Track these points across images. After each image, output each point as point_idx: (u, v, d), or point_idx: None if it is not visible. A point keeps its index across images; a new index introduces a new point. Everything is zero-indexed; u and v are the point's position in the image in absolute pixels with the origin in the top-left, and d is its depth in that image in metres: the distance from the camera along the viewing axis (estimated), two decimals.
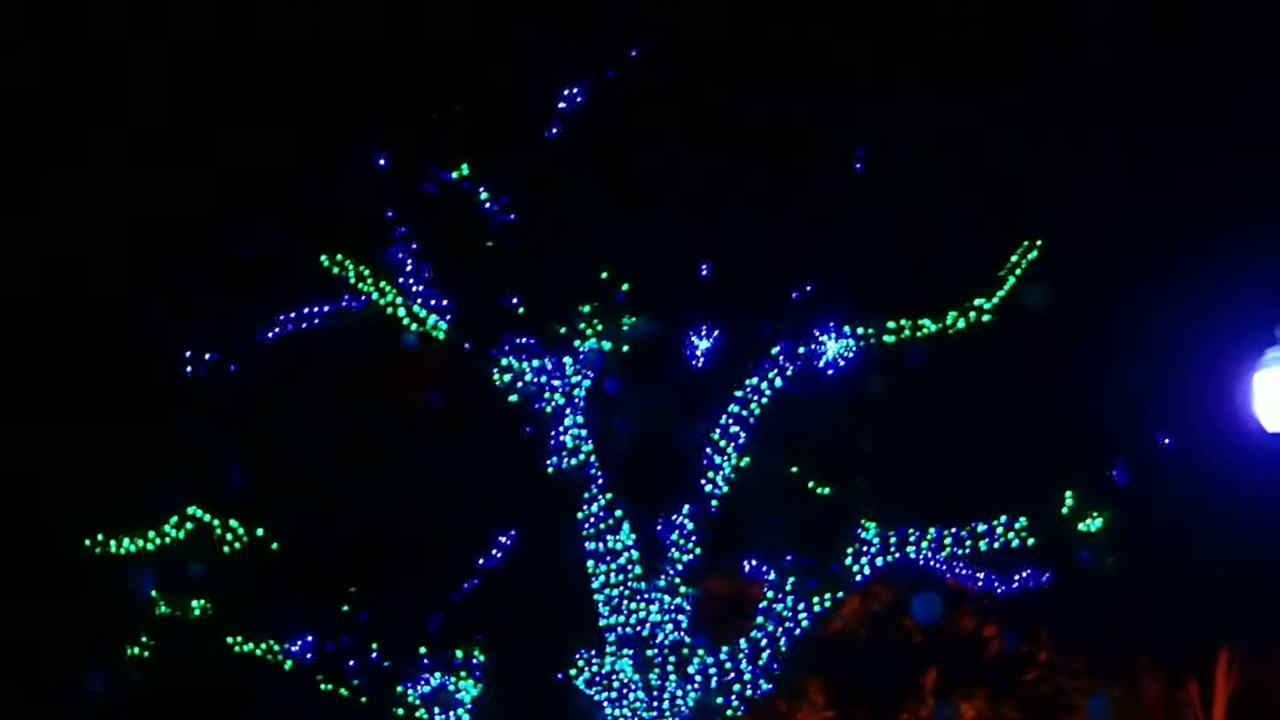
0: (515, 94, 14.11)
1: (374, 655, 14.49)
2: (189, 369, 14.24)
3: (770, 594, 14.90)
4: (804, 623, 14.97)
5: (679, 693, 14.43)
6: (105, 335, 13.89)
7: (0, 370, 13.60)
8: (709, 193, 13.99)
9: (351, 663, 14.42)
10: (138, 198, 13.61)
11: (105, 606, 14.29)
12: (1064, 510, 14.65)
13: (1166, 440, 14.17)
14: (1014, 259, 14.33)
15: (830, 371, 14.65)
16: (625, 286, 14.45)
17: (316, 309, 14.51)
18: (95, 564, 14.14)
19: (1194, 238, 12.57)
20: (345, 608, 14.54)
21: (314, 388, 14.47)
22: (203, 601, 14.36)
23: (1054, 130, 13.39)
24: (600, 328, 14.40)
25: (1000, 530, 14.92)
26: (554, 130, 14.36)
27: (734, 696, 14.78)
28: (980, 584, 16.29)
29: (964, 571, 16.21)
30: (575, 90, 14.32)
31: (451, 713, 14.33)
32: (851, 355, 14.61)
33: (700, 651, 14.63)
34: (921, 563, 15.87)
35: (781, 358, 14.60)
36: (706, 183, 13.96)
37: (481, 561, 14.72)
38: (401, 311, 14.39)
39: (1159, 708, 19.88)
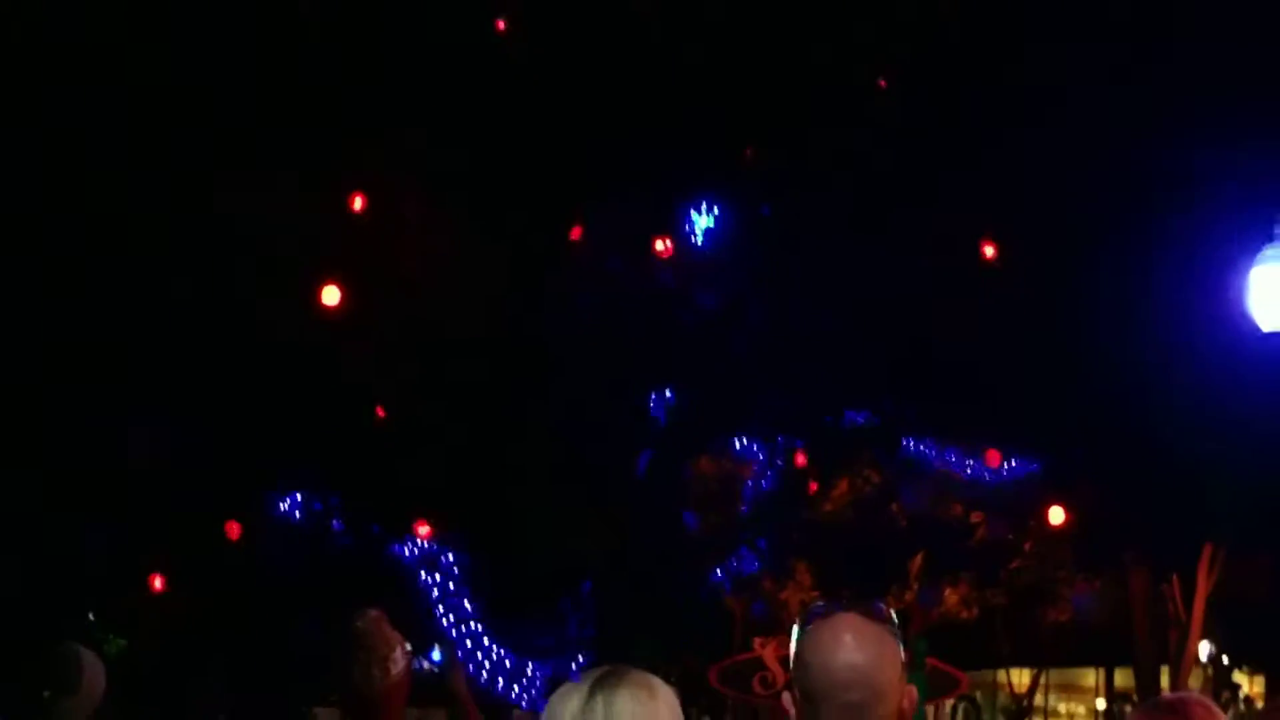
0: None
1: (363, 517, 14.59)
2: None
3: (759, 474, 15.00)
4: (792, 503, 15.08)
5: (664, 566, 14.53)
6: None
7: None
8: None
9: (338, 524, 14.51)
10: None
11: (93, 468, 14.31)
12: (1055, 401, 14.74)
13: (1166, 341, 14.15)
14: None
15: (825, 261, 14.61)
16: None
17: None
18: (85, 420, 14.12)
19: (1188, 134, 12.46)
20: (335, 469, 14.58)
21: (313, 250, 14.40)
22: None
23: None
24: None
25: (991, 419, 15.01)
26: None
27: (721, 572, 14.91)
28: (970, 471, 16.38)
29: (953, 458, 16.30)
30: None
31: (437, 574, 14.42)
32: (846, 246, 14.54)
33: (689, 528, 14.74)
34: (912, 448, 15.98)
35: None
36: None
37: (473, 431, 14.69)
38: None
39: (1141, 600, 20.03)
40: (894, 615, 3.40)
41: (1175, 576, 19.64)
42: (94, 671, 5.17)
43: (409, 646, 5.27)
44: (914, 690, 3.46)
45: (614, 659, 3.53)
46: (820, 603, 3.52)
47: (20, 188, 12.64)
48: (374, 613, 5.13)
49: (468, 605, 14.50)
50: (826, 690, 3.37)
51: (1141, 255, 13.51)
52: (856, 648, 3.37)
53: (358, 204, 14.10)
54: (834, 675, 3.36)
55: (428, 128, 13.60)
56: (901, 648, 3.42)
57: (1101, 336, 14.26)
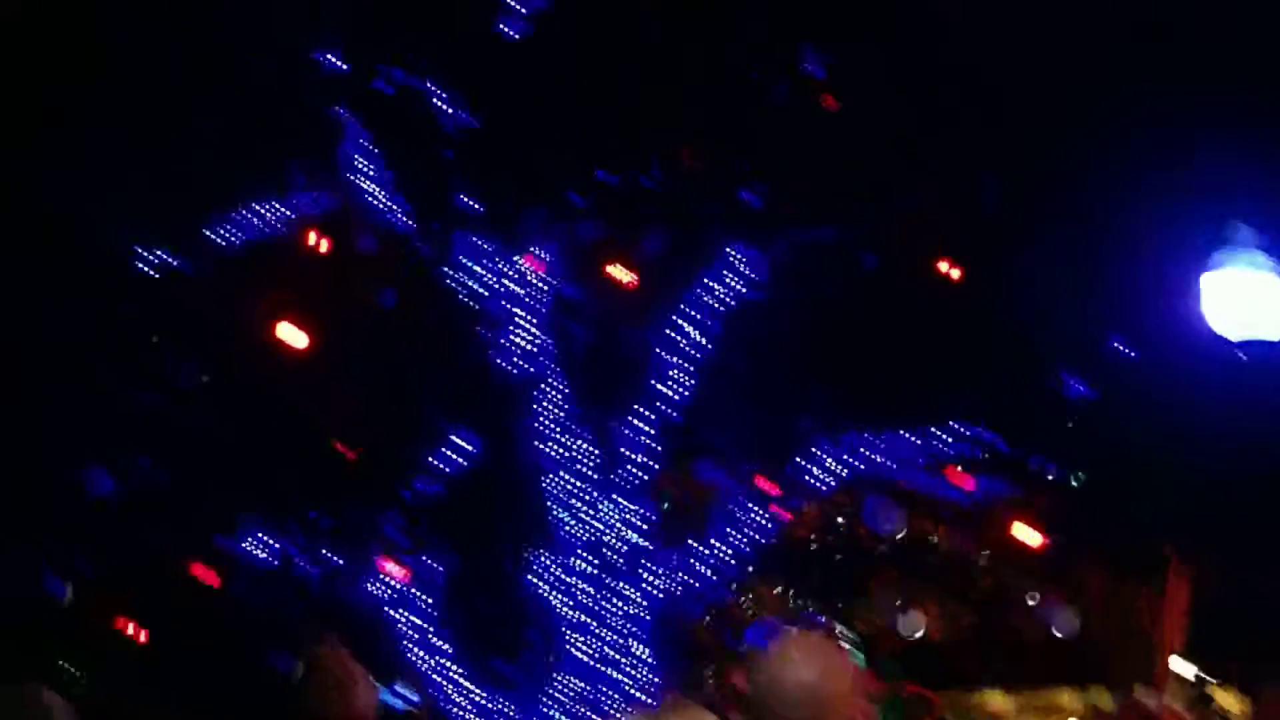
0: None
1: (330, 557, 14.53)
2: (139, 265, 14.13)
3: (728, 500, 14.98)
4: (763, 530, 15.06)
5: (636, 596, 14.52)
6: (56, 231, 13.80)
7: None
8: (667, 96, 13.96)
9: (307, 564, 14.46)
10: (92, 93, 13.49)
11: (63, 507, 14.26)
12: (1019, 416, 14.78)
13: (1118, 345, 14.20)
14: None
15: (785, 274, 14.67)
16: (581, 189, 14.43)
17: (270, 207, 14.42)
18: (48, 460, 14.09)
19: (1142, 131, 12.49)
20: (301, 509, 14.55)
21: (267, 287, 14.41)
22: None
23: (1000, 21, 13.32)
24: (557, 229, 14.40)
25: (955, 437, 15.02)
26: (513, 31, 14.26)
27: (692, 601, 14.89)
28: (940, 491, 16.36)
29: (920, 478, 16.28)
30: None
31: (406, 614, 14.39)
32: (805, 256, 14.62)
33: (657, 556, 14.71)
34: (879, 470, 15.97)
35: (736, 260, 14.60)
36: (665, 87, 13.93)
37: (437, 464, 14.69)
38: (357, 211, 14.35)
39: (1102, 609, 20.01)
40: (835, 625, 3.42)
41: (1145, 588, 19.65)
42: (62, 715, 5.14)
43: (373, 680, 5.26)
44: (870, 707, 3.47)
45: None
46: (764, 620, 3.54)
47: None
48: (336, 642, 5.13)
49: (437, 641, 14.48)
50: (775, 707, 3.37)
51: (1097, 258, 13.55)
52: (804, 662, 3.38)
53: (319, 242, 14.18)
54: (782, 692, 3.37)
55: None
56: (854, 662, 3.43)
57: (1056, 340, 14.33)
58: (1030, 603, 19.66)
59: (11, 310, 13.54)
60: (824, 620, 3.26)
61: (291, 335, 14.03)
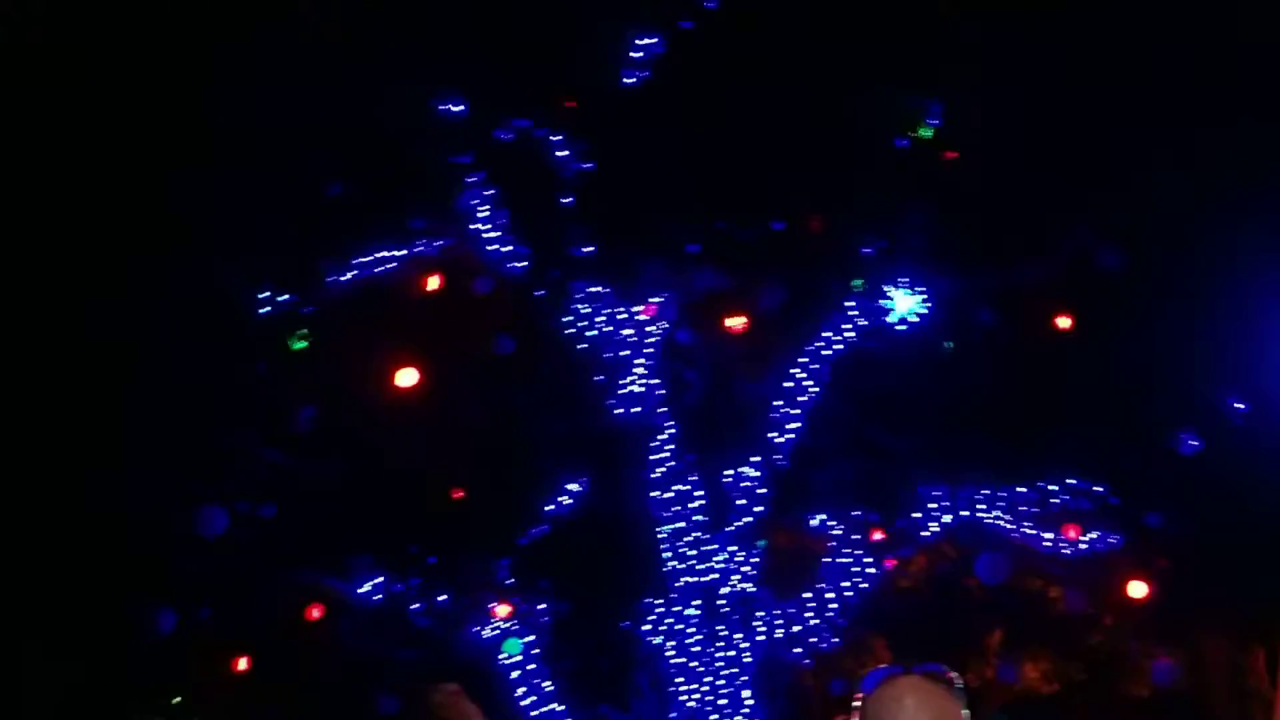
0: (591, 41, 14.15)
1: (441, 599, 14.61)
2: (261, 310, 14.33)
3: (836, 549, 14.94)
4: (870, 579, 15.01)
5: (744, 644, 14.51)
6: (180, 280, 14.00)
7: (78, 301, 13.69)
8: (784, 145, 14.00)
9: (418, 606, 14.54)
10: (211, 143, 13.71)
11: (174, 545, 14.41)
12: (1134, 472, 14.66)
13: (1237, 402, 14.06)
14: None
15: (901, 326, 14.67)
16: (698, 237, 14.51)
17: (389, 254, 14.58)
18: (164, 501, 14.25)
19: (1262, 194, 12.43)
20: (414, 551, 14.64)
21: (385, 332, 14.55)
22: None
23: (1130, 87, 13.31)
24: (672, 278, 14.47)
25: (1069, 492, 14.92)
26: (629, 79, 14.38)
27: (799, 649, 14.84)
28: (1048, 545, 16.22)
29: (1032, 532, 16.15)
30: (653, 39, 14.35)
31: (518, 657, 14.44)
32: (923, 312, 14.62)
33: (766, 604, 14.69)
34: (989, 522, 15.86)
35: (853, 312, 14.62)
36: (782, 135, 13.97)
37: (549, 509, 14.75)
38: (476, 258, 14.48)
39: (1222, 672, 19.68)
40: (955, 677, 3.42)
41: (1260, 648, 19.32)
42: None
43: None
44: None
45: None
46: (880, 668, 3.56)
47: None
48: (452, 687, 5.19)
49: (546, 684, 14.52)
50: None
51: (1218, 316, 13.44)
52: (917, 709, 3.39)
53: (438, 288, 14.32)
54: None
55: None
56: (965, 711, 3.44)
57: (1178, 400, 14.21)
58: (1142, 660, 19.42)
59: (135, 350, 13.78)
60: (941, 669, 3.28)
61: (407, 379, 14.16)
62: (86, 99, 13.21)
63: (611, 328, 14.49)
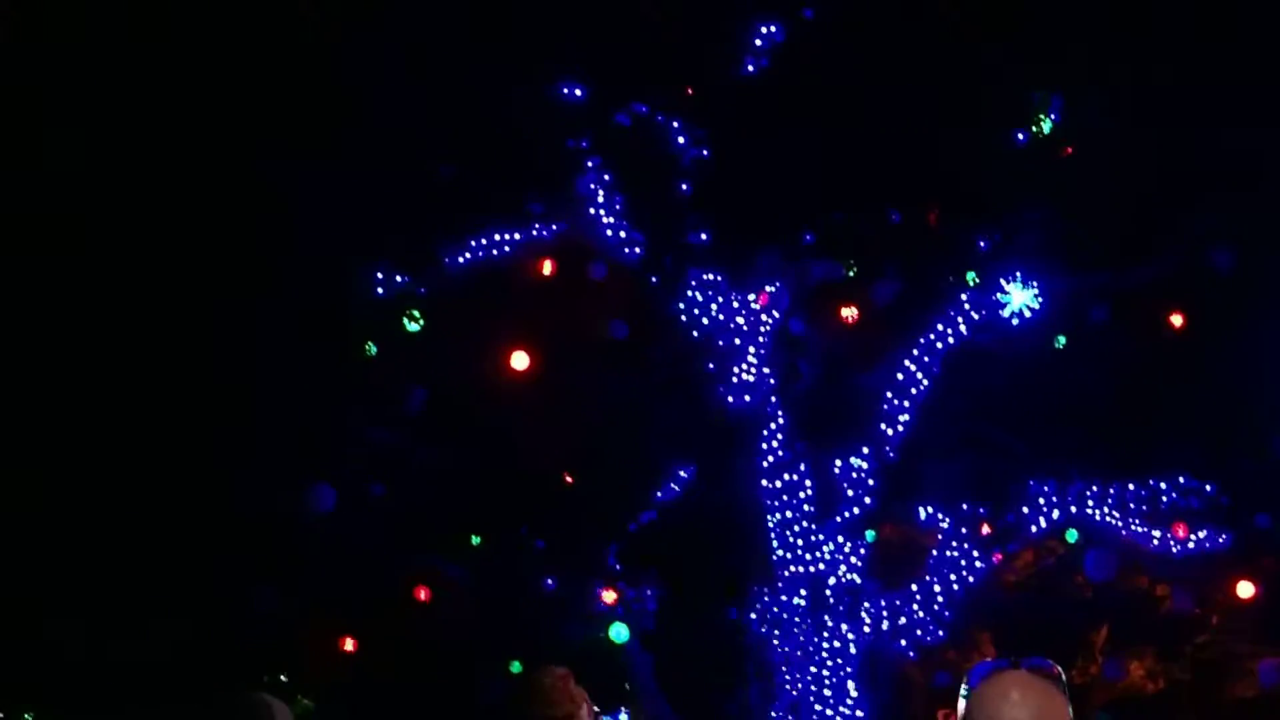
0: (713, 29, 14.15)
1: (549, 584, 14.67)
2: (379, 291, 14.44)
3: (944, 542, 14.89)
4: (977, 573, 14.94)
5: (850, 634, 14.48)
6: (295, 262, 14.14)
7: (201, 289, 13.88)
8: (902, 137, 13.95)
9: (527, 591, 14.62)
10: (332, 128, 13.84)
11: (285, 525, 14.56)
12: (1243, 472, 14.54)
13: None
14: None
15: (1014, 321, 14.58)
16: (813, 227, 14.49)
17: (506, 237, 14.65)
18: (274, 482, 14.40)
19: None
20: (523, 535, 14.71)
21: (499, 315, 14.62)
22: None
23: (1245, 88, 13.20)
24: (786, 267, 14.46)
25: (1179, 491, 14.81)
26: (749, 68, 14.37)
27: (904, 641, 14.80)
28: (1156, 544, 16.11)
29: (1140, 530, 16.04)
30: (772, 28, 14.33)
31: (627, 643, 14.48)
32: (1036, 307, 14.53)
33: (872, 596, 14.66)
34: (1098, 519, 15.76)
35: (966, 306, 14.55)
36: (899, 127, 13.93)
37: (659, 495, 14.78)
38: (590, 243, 14.53)
39: None
40: (1060, 672, 3.41)
41: None
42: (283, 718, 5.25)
43: (595, 708, 5.33)
44: None
45: None
46: (986, 661, 3.55)
47: None
48: (560, 670, 5.21)
49: (653, 670, 14.55)
50: None
51: None
52: (1022, 703, 3.39)
53: (547, 268, 14.36)
54: None
55: None
56: (1069, 706, 3.44)
57: None
58: (1248, 662, 19.23)
59: (251, 332, 13.94)
60: (1047, 664, 3.28)
61: (520, 362, 14.22)
62: (216, 89, 13.38)
63: (724, 316, 14.48)
